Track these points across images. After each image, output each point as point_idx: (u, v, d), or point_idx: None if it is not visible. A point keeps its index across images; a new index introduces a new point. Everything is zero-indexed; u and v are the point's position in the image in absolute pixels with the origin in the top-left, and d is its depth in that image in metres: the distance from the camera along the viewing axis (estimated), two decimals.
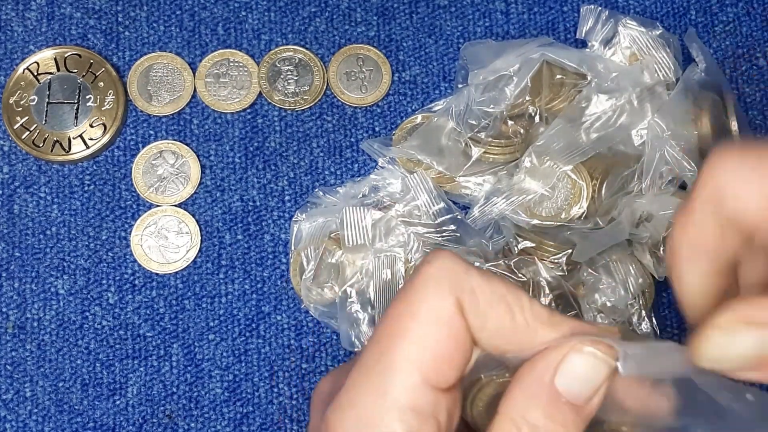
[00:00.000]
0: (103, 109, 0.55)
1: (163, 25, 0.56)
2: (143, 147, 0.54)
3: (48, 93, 0.55)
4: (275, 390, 0.52)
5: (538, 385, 0.29)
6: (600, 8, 0.54)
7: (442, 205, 0.51)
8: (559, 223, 0.51)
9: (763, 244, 0.31)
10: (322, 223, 0.52)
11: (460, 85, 0.55)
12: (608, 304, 0.50)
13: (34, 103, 0.54)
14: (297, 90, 0.55)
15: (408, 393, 0.29)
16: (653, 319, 0.51)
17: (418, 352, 0.29)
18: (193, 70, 0.56)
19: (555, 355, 0.29)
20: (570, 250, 0.49)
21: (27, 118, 0.54)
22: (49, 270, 0.53)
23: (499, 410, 0.30)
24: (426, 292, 0.30)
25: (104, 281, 0.53)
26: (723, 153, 0.31)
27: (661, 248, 0.50)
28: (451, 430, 0.30)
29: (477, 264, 0.49)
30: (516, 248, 0.50)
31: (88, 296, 0.53)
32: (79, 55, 0.55)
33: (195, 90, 0.55)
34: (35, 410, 0.51)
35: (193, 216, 0.54)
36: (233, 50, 0.56)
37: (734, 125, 0.53)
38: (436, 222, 0.51)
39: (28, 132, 0.54)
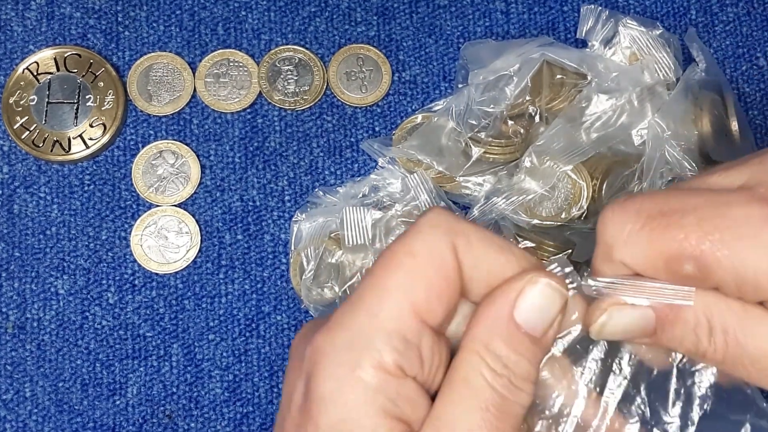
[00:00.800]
0: (102, 108, 0.55)
1: (163, 24, 0.56)
2: (143, 147, 0.54)
3: (48, 93, 0.55)
4: (275, 390, 0.52)
5: (499, 318, 0.31)
6: (600, 8, 0.54)
7: (442, 205, 0.51)
8: (559, 223, 0.51)
9: None
10: (322, 223, 0.52)
11: (460, 85, 0.54)
12: None
13: (33, 102, 0.54)
14: (297, 90, 0.55)
15: (396, 318, 0.30)
16: None
17: (411, 282, 0.30)
18: (193, 70, 0.56)
19: (513, 289, 0.31)
20: (570, 250, 0.49)
21: (27, 117, 0.54)
22: (49, 270, 0.53)
23: (462, 344, 0.31)
24: (422, 233, 0.31)
25: (104, 281, 0.53)
26: (608, 210, 0.33)
27: None
28: (433, 371, 0.31)
29: None
30: None
31: (88, 296, 0.53)
32: (79, 55, 0.55)
33: (195, 90, 0.55)
34: (35, 410, 0.51)
35: (193, 216, 0.54)
36: (233, 50, 0.56)
37: (734, 125, 0.53)
38: None
39: (27, 132, 0.54)
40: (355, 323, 0.31)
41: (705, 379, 0.33)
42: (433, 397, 0.31)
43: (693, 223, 0.31)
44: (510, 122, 0.52)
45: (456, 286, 0.31)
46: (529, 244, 0.50)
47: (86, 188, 0.54)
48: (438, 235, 0.31)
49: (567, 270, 0.33)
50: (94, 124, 0.54)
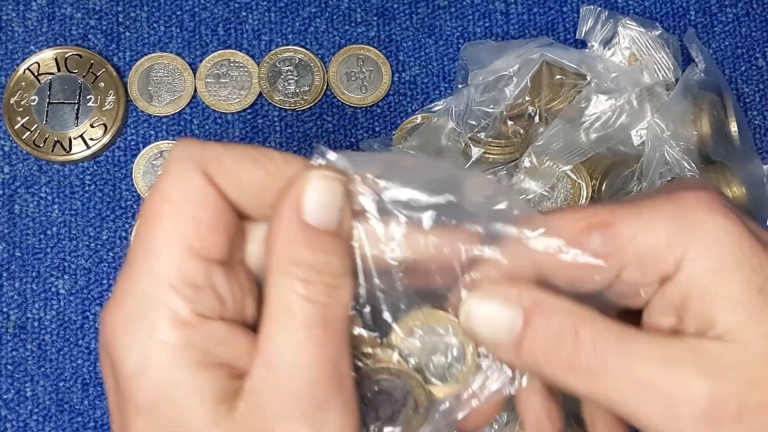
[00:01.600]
0: (103, 109, 0.55)
1: (164, 25, 0.57)
2: (144, 147, 0.55)
3: (49, 93, 0.55)
4: None
5: (291, 226, 0.30)
6: (599, 9, 0.54)
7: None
8: None
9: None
10: None
11: (459, 86, 0.55)
12: None
13: (34, 103, 0.54)
14: (297, 90, 0.55)
15: (177, 267, 0.29)
16: None
17: (176, 226, 0.29)
18: (194, 71, 0.56)
19: (293, 194, 0.30)
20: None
21: (28, 118, 0.54)
22: (50, 270, 0.53)
23: (267, 266, 0.30)
24: (171, 172, 0.30)
25: (105, 281, 0.53)
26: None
27: None
28: (239, 303, 0.30)
29: None
30: None
31: (89, 296, 0.53)
32: (80, 56, 0.55)
33: (195, 90, 0.55)
34: (36, 410, 0.51)
35: None
36: (233, 51, 0.56)
37: (733, 125, 0.53)
38: None
39: (28, 132, 0.54)
40: (137, 288, 0.29)
41: None
42: (255, 326, 0.30)
43: (601, 207, 0.32)
44: (509, 122, 0.52)
45: (226, 213, 0.30)
46: None
47: (87, 188, 0.54)
48: (187, 169, 0.29)
49: (330, 156, 0.31)
50: (94, 125, 0.54)
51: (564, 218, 0.32)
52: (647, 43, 0.53)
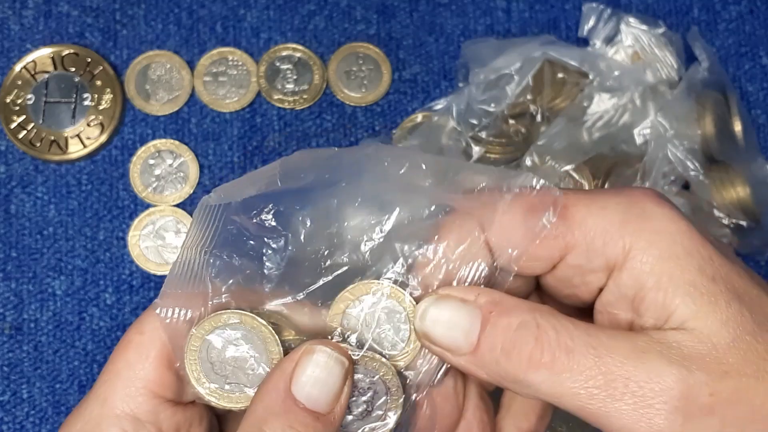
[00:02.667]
0: (100, 108, 0.54)
1: (161, 23, 0.56)
2: (141, 146, 0.54)
3: (45, 92, 0.54)
4: None
5: (275, 394, 0.29)
6: (602, 6, 0.54)
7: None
8: None
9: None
10: None
11: (460, 84, 0.54)
12: None
13: (31, 102, 0.54)
14: (296, 89, 0.55)
15: (127, 400, 0.30)
16: None
17: (138, 359, 0.31)
18: (192, 69, 0.55)
19: (289, 362, 0.29)
20: None
21: (24, 117, 0.54)
22: (46, 270, 0.53)
23: (241, 425, 0.30)
24: (152, 310, 0.31)
25: (101, 282, 0.53)
26: None
27: None
28: None
29: None
30: None
31: (86, 297, 0.52)
32: (77, 54, 0.55)
33: (193, 89, 0.55)
34: (32, 412, 0.51)
35: (192, 216, 0.53)
36: (232, 48, 0.56)
37: (737, 124, 0.53)
38: None
39: (25, 131, 0.54)
40: (87, 412, 0.31)
41: None
42: None
43: (554, 189, 0.32)
44: (511, 121, 0.52)
45: None
46: None
47: (83, 188, 0.54)
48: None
49: (348, 336, 0.31)
50: (91, 124, 0.54)
51: (522, 194, 0.31)
52: (650, 42, 0.53)
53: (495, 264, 0.32)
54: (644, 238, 0.30)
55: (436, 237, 0.31)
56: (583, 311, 0.33)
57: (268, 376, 0.30)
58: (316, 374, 0.29)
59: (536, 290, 0.35)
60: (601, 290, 0.32)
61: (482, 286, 0.31)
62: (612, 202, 0.31)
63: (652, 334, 0.29)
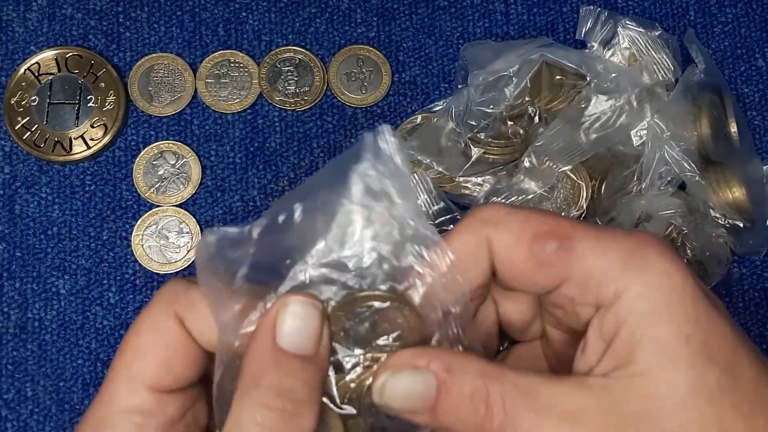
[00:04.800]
0: (104, 109, 0.55)
1: (164, 25, 0.57)
2: (144, 147, 0.55)
3: (49, 93, 0.55)
4: None
5: (263, 351, 0.31)
6: (599, 9, 0.54)
7: (442, 205, 0.51)
8: None
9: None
10: None
11: (459, 86, 0.55)
12: None
13: (35, 103, 0.54)
14: (297, 90, 0.55)
15: (129, 396, 0.33)
16: None
17: (136, 359, 0.33)
18: (194, 71, 0.56)
19: (268, 318, 0.32)
20: None
21: (28, 118, 0.54)
22: (50, 270, 0.53)
23: (237, 389, 0.32)
24: (149, 310, 0.34)
25: (105, 281, 0.53)
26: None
27: None
28: (192, 424, 0.34)
29: None
30: None
31: (89, 296, 0.53)
32: (80, 56, 0.55)
33: (196, 91, 0.55)
34: (36, 410, 0.51)
35: (194, 216, 0.54)
36: (234, 51, 0.56)
37: (733, 126, 0.53)
38: (436, 222, 0.51)
39: (29, 132, 0.54)
40: (95, 411, 0.33)
41: None
42: None
43: (565, 221, 0.33)
44: (509, 123, 0.52)
45: (188, 351, 0.33)
46: None
47: (87, 188, 0.54)
48: (161, 309, 0.33)
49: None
50: (95, 125, 0.54)
51: (530, 217, 0.33)
52: (647, 44, 0.53)
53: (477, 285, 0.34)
54: (635, 290, 0.31)
55: (440, 244, 0.33)
56: None
57: (254, 335, 0.32)
58: (297, 324, 0.31)
59: None
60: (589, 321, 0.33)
61: (434, 346, 0.33)
62: (616, 245, 0.32)
63: (599, 384, 0.31)
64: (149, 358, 0.33)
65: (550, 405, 0.31)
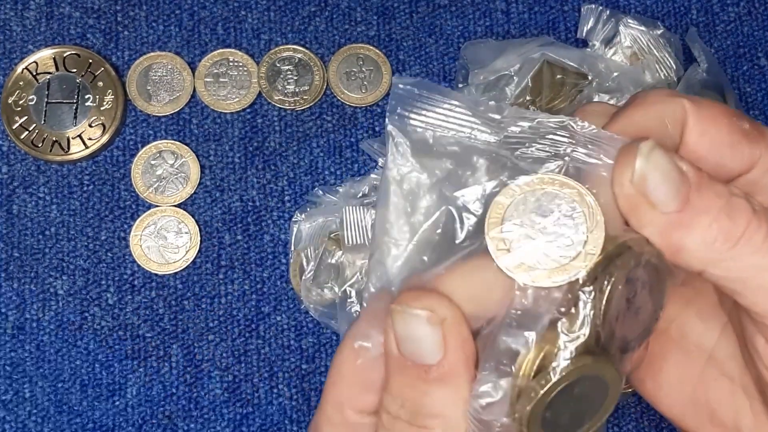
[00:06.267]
0: (102, 108, 0.54)
1: (163, 24, 0.56)
2: (142, 147, 0.54)
3: (47, 93, 0.54)
4: (275, 391, 0.52)
5: (388, 357, 0.29)
6: (601, 8, 0.54)
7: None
8: None
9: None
10: (322, 223, 0.52)
11: (460, 85, 0.54)
12: None
13: (32, 102, 0.54)
14: (297, 90, 0.55)
15: (336, 412, 0.31)
16: None
17: (339, 381, 0.31)
18: (193, 70, 0.55)
19: (388, 325, 0.29)
20: None
21: (26, 117, 0.54)
22: (48, 270, 0.53)
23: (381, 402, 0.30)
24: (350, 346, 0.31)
25: (103, 282, 0.53)
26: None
27: None
28: None
29: None
30: None
31: (87, 297, 0.53)
32: (78, 55, 0.55)
33: (194, 90, 0.55)
34: (34, 411, 0.51)
35: (193, 216, 0.54)
36: (233, 50, 0.56)
37: None
38: None
39: (26, 132, 0.54)
40: (317, 417, 0.32)
41: None
42: None
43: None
44: None
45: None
46: None
47: (85, 188, 0.54)
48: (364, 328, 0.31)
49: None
50: (93, 124, 0.54)
51: (712, 102, 0.30)
52: (649, 43, 0.53)
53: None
54: None
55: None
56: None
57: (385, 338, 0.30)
58: (407, 332, 0.29)
59: None
60: None
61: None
62: None
63: None
64: (348, 380, 0.31)
65: None
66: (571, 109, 0.51)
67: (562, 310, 0.27)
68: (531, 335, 0.27)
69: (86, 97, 0.54)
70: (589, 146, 0.28)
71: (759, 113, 0.56)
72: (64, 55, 0.55)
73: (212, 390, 0.52)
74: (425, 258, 0.30)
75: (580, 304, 0.27)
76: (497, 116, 0.29)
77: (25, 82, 0.54)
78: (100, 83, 0.55)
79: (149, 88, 0.55)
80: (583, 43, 0.55)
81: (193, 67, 0.56)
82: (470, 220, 0.29)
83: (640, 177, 0.28)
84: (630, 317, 0.29)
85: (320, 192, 0.53)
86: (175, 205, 0.54)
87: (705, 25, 0.57)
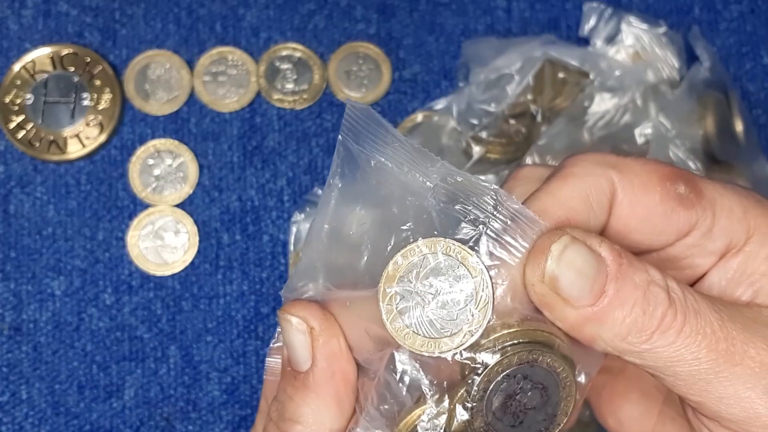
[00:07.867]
0: (99, 108, 0.54)
1: (161, 22, 0.56)
2: (140, 146, 0.54)
3: (44, 92, 0.54)
4: None
5: (283, 371, 0.31)
6: (603, 6, 0.54)
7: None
8: None
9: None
10: None
11: (461, 84, 0.54)
12: None
13: (30, 102, 0.54)
14: (296, 88, 0.55)
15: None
16: None
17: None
18: (191, 68, 0.55)
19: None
20: None
21: (23, 117, 0.54)
22: (45, 271, 0.52)
23: None
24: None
25: (101, 282, 0.52)
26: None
27: None
28: None
29: None
30: None
31: (85, 297, 0.52)
32: (76, 53, 0.55)
33: (193, 88, 0.55)
34: (31, 413, 0.51)
35: (191, 216, 0.53)
36: (231, 48, 0.55)
37: (739, 124, 0.53)
38: None
39: (24, 131, 0.54)
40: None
41: None
42: None
43: (679, 167, 0.30)
44: (511, 121, 0.52)
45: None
46: None
47: (83, 188, 0.54)
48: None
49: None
50: (90, 124, 0.54)
51: (647, 161, 0.30)
52: (651, 41, 0.53)
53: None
54: (766, 224, 0.30)
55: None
56: None
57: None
58: (286, 338, 0.30)
59: None
60: (701, 276, 0.31)
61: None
62: (730, 187, 0.30)
63: (760, 309, 0.29)
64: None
65: (727, 309, 0.28)
66: (572, 108, 0.51)
67: (435, 382, 0.28)
68: (407, 398, 0.28)
69: (83, 96, 0.54)
70: (509, 222, 0.28)
71: (762, 112, 0.56)
72: (62, 53, 0.55)
73: (210, 392, 0.52)
74: (329, 280, 0.30)
75: (450, 383, 0.28)
76: (430, 167, 0.29)
77: (22, 81, 0.54)
78: (98, 82, 0.54)
79: (147, 86, 0.55)
80: (585, 42, 0.55)
81: (191, 65, 0.55)
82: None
83: (551, 278, 0.27)
84: (508, 417, 0.28)
85: (319, 192, 0.53)
86: (173, 205, 0.53)
87: (708, 23, 0.57)
